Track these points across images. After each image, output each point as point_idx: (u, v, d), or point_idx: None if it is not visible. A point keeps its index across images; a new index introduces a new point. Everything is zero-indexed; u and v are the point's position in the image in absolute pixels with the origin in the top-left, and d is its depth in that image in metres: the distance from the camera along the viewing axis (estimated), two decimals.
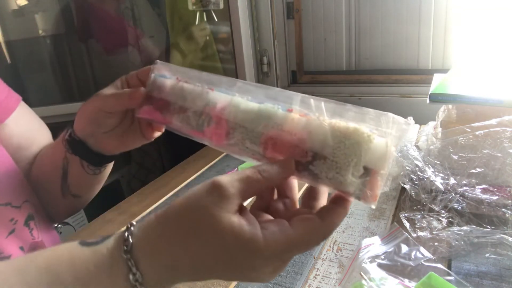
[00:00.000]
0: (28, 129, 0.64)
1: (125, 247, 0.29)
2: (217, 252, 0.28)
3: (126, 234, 0.30)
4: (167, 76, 0.42)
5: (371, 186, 0.29)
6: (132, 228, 0.31)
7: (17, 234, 0.56)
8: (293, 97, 0.33)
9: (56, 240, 0.64)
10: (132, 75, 0.48)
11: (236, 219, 0.28)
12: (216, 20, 1.39)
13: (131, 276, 0.29)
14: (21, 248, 0.57)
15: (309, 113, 0.31)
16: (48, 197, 0.62)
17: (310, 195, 0.34)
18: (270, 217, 0.33)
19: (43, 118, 0.67)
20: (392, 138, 0.29)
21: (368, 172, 0.29)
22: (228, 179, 0.29)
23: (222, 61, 1.38)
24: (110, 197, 0.74)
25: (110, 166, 0.60)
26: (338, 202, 0.31)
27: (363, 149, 0.28)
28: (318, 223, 0.29)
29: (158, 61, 0.44)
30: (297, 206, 0.35)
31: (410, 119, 0.29)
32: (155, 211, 0.31)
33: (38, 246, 0.59)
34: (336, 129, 0.29)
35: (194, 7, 1.38)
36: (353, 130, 0.29)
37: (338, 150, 0.29)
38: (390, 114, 0.29)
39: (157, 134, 0.50)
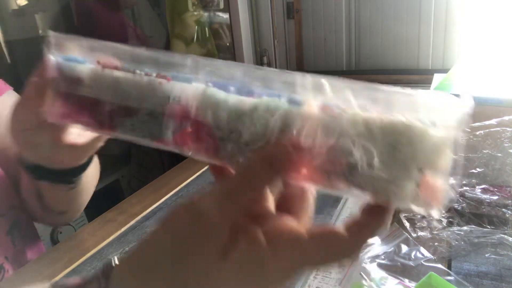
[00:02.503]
0: None
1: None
2: (215, 280, 0.23)
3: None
4: (78, 58, 0.28)
5: (433, 190, 0.22)
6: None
7: None
8: (297, 80, 0.23)
9: (40, 249, 0.63)
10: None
11: (231, 247, 0.23)
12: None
13: None
14: (6, 258, 0.55)
15: (331, 104, 0.22)
16: (35, 212, 0.59)
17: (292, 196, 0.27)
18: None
19: None
20: (450, 128, 0.22)
21: (423, 175, 0.22)
22: (207, 200, 0.23)
23: None
24: (110, 197, 0.74)
25: (90, 176, 0.51)
26: (374, 214, 0.24)
27: (419, 148, 0.21)
28: (343, 235, 0.23)
29: (51, 32, 0.29)
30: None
31: (467, 96, 0.22)
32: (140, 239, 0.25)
33: (19, 256, 0.58)
34: (378, 125, 0.22)
35: (194, 7, 1.38)
36: (404, 126, 0.21)
37: (386, 155, 0.22)
38: (442, 94, 0.22)
39: None
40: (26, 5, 1.47)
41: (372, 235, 0.24)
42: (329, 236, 0.24)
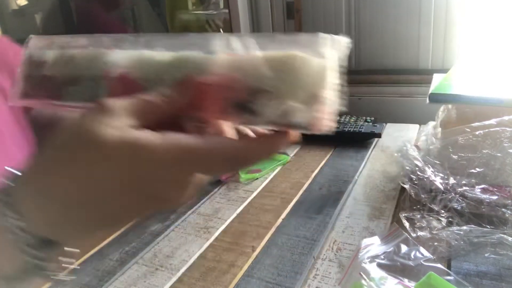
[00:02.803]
0: None
1: None
2: (104, 172, 0.25)
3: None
4: (48, 48, 0.34)
5: (319, 111, 0.27)
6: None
7: None
8: (211, 39, 0.29)
9: None
10: None
11: (118, 131, 0.24)
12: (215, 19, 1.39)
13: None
14: None
15: (237, 51, 0.28)
16: None
17: None
18: None
19: None
20: (329, 57, 0.27)
21: (312, 97, 0.27)
22: (117, 99, 0.26)
23: None
24: None
25: None
26: (272, 134, 0.28)
27: (302, 73, 0.27)
28: (238, 142, 0.27)
29: (32, 35, 0.35)
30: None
31: (343, 37, 0.28)
32: None
33: None
34: (271, 59, 0.27)
35: (194, 7, 1.38)
36: (288, 55, 0.27)
37: (277, 80, 0.27)
38: (320, 34, 0.27)
39: None
40: (26, 5, 1.47)
41: (265, 151, 0.27)
42: (224, 140, 0.27)
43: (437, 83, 0.74)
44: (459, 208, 0.56)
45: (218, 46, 0.28)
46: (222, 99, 0.27)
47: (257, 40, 0.28)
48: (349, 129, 0.91)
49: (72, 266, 0.29)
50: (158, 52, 0.29)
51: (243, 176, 0.77)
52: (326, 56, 0.27)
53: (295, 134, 0.28)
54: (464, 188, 0.57)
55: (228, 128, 0.29)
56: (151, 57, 0.29)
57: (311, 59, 0.27)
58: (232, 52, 0.28)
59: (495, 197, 0.55)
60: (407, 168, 0.64)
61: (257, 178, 0.77)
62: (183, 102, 0.27)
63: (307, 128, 0.27)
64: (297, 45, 0.27)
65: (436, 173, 0.60)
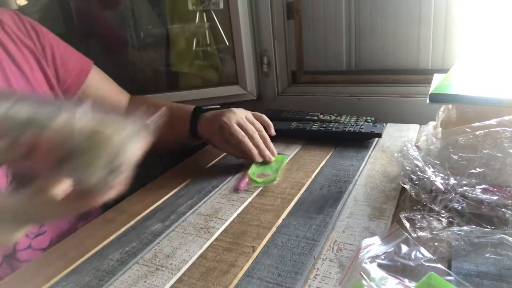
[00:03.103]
0: (106, 92, 0.78)
1: None
2: None
3: None
4: None
5: (114, 178, 0.35)
6: None
7: None
8: (63, 104, 0.37)
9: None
10: None
11: None
12: (216, 20, 1.39)
13: None
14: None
15: (72, 117, 0.35)
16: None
17: None
18: None
19: None
20: (126, 136, 0.35)
21: (111, 166, 0.34)
22: None
23: (222, 61, 1.38)
24: None
25: None
26: (79, 195, 0.36)
27: (104, 146, 0.34)
28: (32, 198, 0.35)
29: None
30: None
31: (154, 117, 0.38)
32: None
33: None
34: (84, 130, 0.34)
35: (194, 7, 1.38)
36: (97, 130, 0.34)
37: (84, 148, 0.33)
38: (130, 118, 0.36)
39: None
40: (26, 5, 1.47)
41: (64, 210, 0.36)
42: (20, 196, 0.34)
43: (437, 83, 0.74)
44: (459, 208, 0.56)
45: (64, 110, 0.35)
46: (49, 156, 0.34)
47: (99, 110, 0.36)
48: (349, 129, 0.91)
49: None
50: (23, 109, 0.36)
51: (258, 180, 0.74)
52: (128, 136, 0.35)
53: (99, 197, 0.36)
54: (465, 188, 0.57)
55: (62, 183, 0.36)
56: (15, 114, 0.36)
57: (113, 136, 0.34)
58: (68, 117, 0.35)
59: (495, 198, 0.55)
60: (408, 168, 0.64)
61: (272, 180, 0.74)
62: (13, 154, 0.33)
63: (104, 191, 0.35)
64: (116, 121, 0.35)
65: (436, 173, 0.60)
